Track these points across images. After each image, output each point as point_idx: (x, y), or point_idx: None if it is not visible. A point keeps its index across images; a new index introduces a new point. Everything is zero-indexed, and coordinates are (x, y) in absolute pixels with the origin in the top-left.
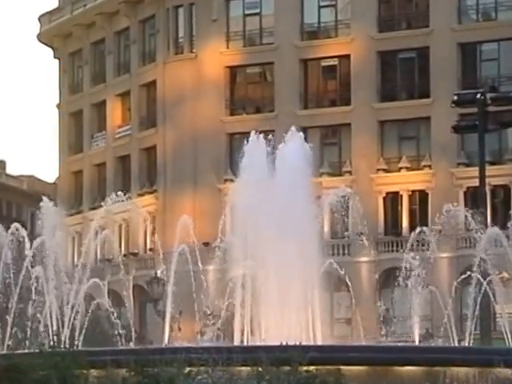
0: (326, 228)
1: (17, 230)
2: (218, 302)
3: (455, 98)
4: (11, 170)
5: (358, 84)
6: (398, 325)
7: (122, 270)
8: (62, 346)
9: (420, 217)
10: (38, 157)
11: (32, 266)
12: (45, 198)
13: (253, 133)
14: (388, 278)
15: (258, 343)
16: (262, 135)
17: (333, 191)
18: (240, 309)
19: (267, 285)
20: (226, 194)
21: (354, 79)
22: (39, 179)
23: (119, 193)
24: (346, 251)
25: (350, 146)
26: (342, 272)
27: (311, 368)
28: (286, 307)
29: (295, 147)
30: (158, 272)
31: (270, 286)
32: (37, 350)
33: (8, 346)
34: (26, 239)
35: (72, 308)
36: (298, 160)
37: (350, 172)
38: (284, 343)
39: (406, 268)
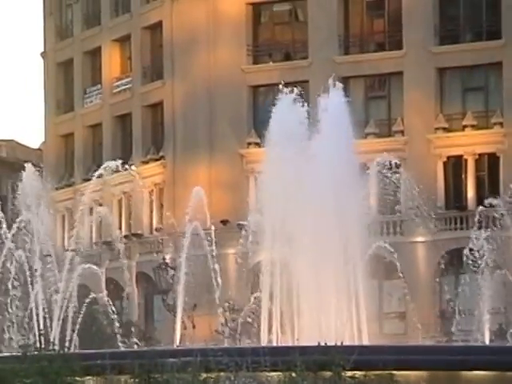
0: (373, 202)
1: None
2: (241, 292)
3: None
4: None
5: (411, 23)
6: (463, 320)
7: (122, 254)
8: (51, 347)
9: (489, 186)
10: (20, 117)
11: (13, 250)
12: (28, 165)
13: (282, 85)
14: (450, 262)
15: (290, 343)
16: (293, 88)
17: (381, 156)
18: (268, 301)
19: (302, 272)
20: (250, 161)
21: (407, 17)
22: (21, 144)
23: (118, 160)
24: (398, 230)
25: (402, 99)
26: (394, 255)
27: (357, 374)
28: (325, 299)
29: (334, 102)
30: (167, 257)
31: (305, 274)
32: (20, 353)
33: None
34: (5, 216)
35: (62, 301)
36: (338, 118)
37: (401, 132)
38: (322, 343)
39: (472, 250)
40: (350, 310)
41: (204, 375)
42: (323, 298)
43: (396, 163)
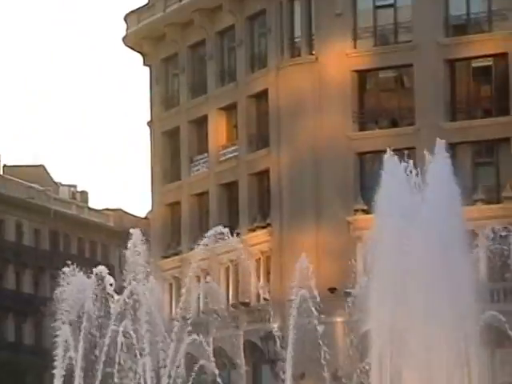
0: (483, 269)
1: (102, 275)
2: (349, 361)
3: None
4: (95, 202)
5: None
6: None
7: (230, 323)
8: None
9: None
10: (127, 186)
11: (121, 320)
12: (135, 232)
13: (389, 152)
14: None
15: None
16: (400, 154)
17: (490, 223)
18: (378, 371)
19: (411, 340)
20: (357, 228)
21: None
22: (128, 213)
23: (225, 228)
24: (510, 297)
25: (511, 165)
26: (505, 323)
27: None
28: (436, 368)
29: (441, 168)
30: (275, 326)
31: (415, 342)
32: None
33: None
34: (113, 286)
35: (170, 371)
36: (446, 184)
37: (511, 198)
38: None
39: None
40: (461, 380)
41: None
42: (434, 367)
43: (505, 229)
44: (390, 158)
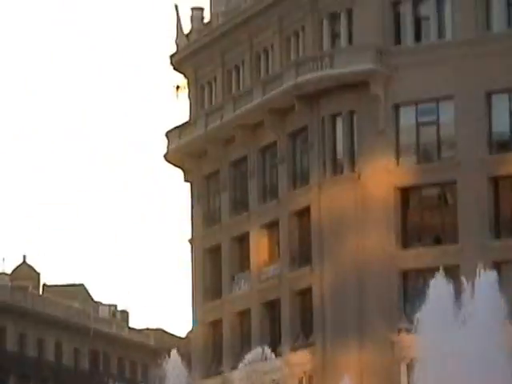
0: None
1: None
2: None
3: None
4: (135, 322)
5: None
6: None
7: None
8: None
9: None
10: (167, 305)
11: None
12: (173, 352)
13: (440, 272)
14: None
15: None
16: (444, 273)
17: None
18: None
19: None
20: (401, 348)
21: None
22: (169, 333)
23: (267, 348)
24: None
25: None
26: None
27: None
28: None
29: (486, 288)
30: None
31: None
32: None
33: None
34: None
35: None
36: (491, 304)
37: None
38: None
39: None
40: None
41: None
42: None
43: None
44: (437, 279)
